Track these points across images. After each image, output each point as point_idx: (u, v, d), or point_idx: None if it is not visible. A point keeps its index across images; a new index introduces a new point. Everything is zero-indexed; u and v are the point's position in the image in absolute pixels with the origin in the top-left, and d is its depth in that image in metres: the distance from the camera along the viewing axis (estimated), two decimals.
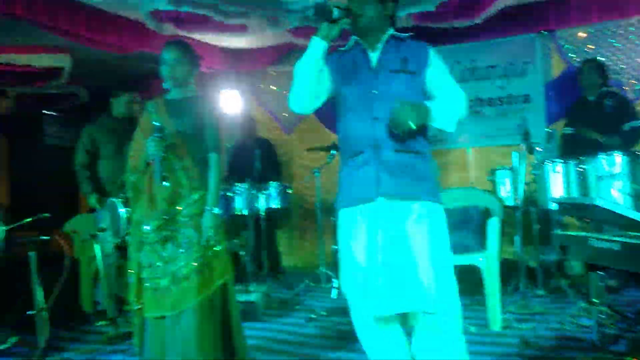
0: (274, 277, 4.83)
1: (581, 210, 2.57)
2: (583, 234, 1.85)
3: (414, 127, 1.77)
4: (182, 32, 4.35)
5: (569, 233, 1.93)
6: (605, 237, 1.71)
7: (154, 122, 2.25)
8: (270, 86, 6.01)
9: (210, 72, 5.52)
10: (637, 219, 2.23)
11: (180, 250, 2.16)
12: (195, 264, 2.14)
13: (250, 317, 3.35)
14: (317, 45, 1.84)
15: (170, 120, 2.26)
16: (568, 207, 2.68)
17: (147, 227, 2.19)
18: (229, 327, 2.23)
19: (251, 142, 5.06)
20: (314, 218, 4.65)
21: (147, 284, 2.17)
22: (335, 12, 1.81)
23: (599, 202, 2.32)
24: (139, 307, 2.21)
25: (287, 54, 5.49)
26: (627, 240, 1.61)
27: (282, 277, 4.64)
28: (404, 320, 2.00)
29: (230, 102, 5.69)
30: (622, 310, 2.77)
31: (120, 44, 4.44)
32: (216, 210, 2.23)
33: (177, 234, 2.18)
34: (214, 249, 2.21)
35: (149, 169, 2.23)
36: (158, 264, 2.16)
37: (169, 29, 4.21)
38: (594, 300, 2.52)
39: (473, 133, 5.00)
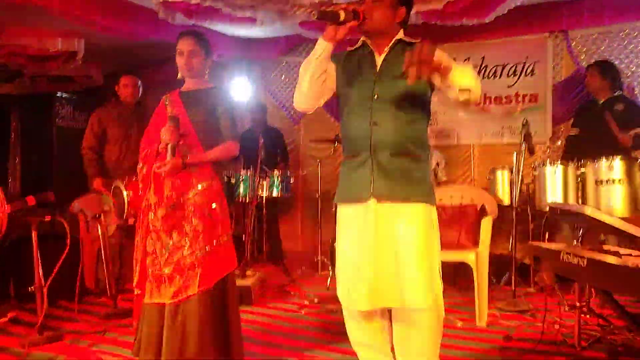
0: (275, 262, 4.93)
1: (572, 216, 2.60)
2: (556, 247, 1.89)
3: (430, 58, 1.65)
4: (192, 22, 4.41)
5: (542, 245, 1.96)
6: (575, 252, 1.74)
7: (168, 113, 2.29)
8: (281, 76, 6.06)
9: (221, 60, 5.58)
10: (623, 229, 2.28)
11: (186, 239, 2.17)
12: (200, 253, 2.15)
13: (245, 301, 3.45)
14: (322, 47, 1.88)
15: (185, 110, 2.29)
16: (559, 212, 2.71)
17: (153, 215, 2.22)
18: (227, 320, 2.24)
19: (260, 131, 5.12)
20: (317, 207, 4.72)
21: (150, 271, 2.20)
22: (342, 15, 1.80)
23: (588, 211, 2.35)
24: (139, 292, 2.25)
25: (298, 44, 5.55)
26: (593, 257, 1.64)
27: (283, 262, 4.73)
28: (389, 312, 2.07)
29: (240, 90, 5.76)
30: (603, 313, 2.81)
31: (133, 31, 4.52)
32: (187, 160, 2.20)
33: (184, 222, 2.19)
34: (220, 239, 2.22)
35: (159, 157, 2.25)
36: (163, 252, 2.18)
37: (180, 18, 4.27)
38: (577, 303, 2.55)
39: (479, 130, 5.01)
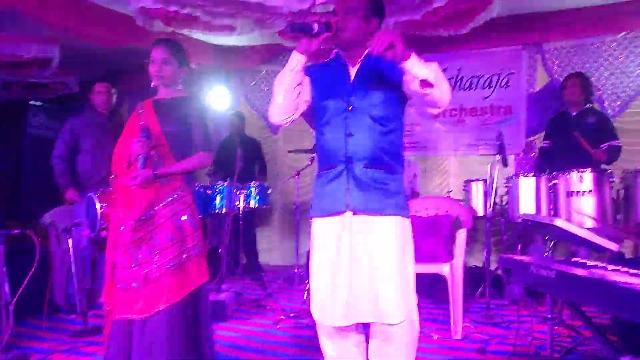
0: (251, 276, 4.88)
1: (543, 228, 2.63)
2: (527, 259, 1.90)
3: (392, 46, 1.68)
4: (171, 29, 4.38)
5: (513, 257, 1.98)
6: (544, 264, 1.75)
7: (140, 123, 2.25)
8: (260, 85, 6.05)
9: (199, 67, 5.55)
10: (591, 240, 2.32)
11: (155, 252, 2.12)
12: (169, 266, 2.11)
13: (219, 316, 3.39)
14: (296, 59, 1.87)
15: (157, 120, 2.25)
16: (530, 224, 2.74)
17: (123, 228, 2.17)
18: (199, 333, 2.19)
19: (237, 140, 5.09)
20: (295, 218, 4.70)
21: (118, 285, 2.14)
22: (315, 27, 1.80)
23: (558, 223, 2.39)
24: (110, 308, 2.19)
25: (277, 53, 5.54)
26: (562, 269, 1.66)
27: (260, 275, 4.68)
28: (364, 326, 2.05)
29: (218, 99, 5.73)
30: (575, 325, 2.85)
31: (110, 38, 4.48)
32: (158, 172, 2.16)
33: (153, 235, 2.14)
34: (190, 252, 2.18)
35: (130, 169, 2.21)
36: (132, 265, 2.12)
37: (158, 26, 4.24)
38: (549, 315, 2.58)
39: (455, 142, 5.07)
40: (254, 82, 6.09)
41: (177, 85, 2.34)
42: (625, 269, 1.62)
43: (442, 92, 1.82)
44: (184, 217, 2.20)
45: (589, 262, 1.90)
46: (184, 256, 2.16)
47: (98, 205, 2.88)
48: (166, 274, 2.11)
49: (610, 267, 1.71)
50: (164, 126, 2.24)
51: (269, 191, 4.72)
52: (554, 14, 4.54)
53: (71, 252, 3.28)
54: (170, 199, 2.19)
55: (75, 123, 3.72)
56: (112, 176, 2.28)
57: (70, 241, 3.21)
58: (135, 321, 2.09)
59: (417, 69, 1.75)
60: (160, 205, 2.18)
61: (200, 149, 2.29)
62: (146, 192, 2.17)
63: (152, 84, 2.32)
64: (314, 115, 2.07)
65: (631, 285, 1.39)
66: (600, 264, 1.82)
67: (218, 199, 4.37)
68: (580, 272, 1.61)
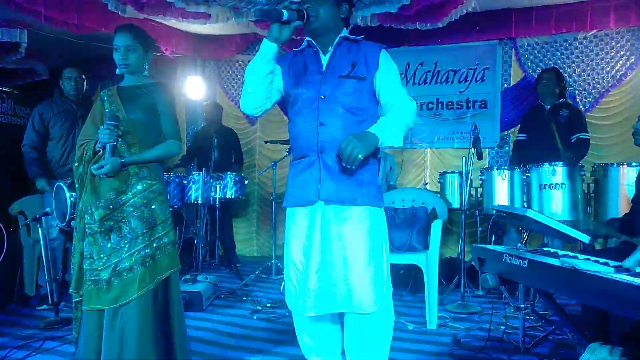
0: (228, 266, 4.85)
1: (515, 219, 2.69)
2: (499, 249, 1.93)
3: (361, 157, 1.75)
4: (144, 15, 4.28)
5: (486, 247, 2.01)
6: (516, 253, 1.79)
7: (106, 110, 2.20)
8: (237, 75, 5.98)
9: (175, 56, 5.45)
10: (562, 231, 2.37)
11: (124, 241, 2.09)
12: (139, 256, 2.08)
13: (195, 307, 3.36)
14: (267, 47, 1.84)
15: (123, 107, 2.20)
16: (504, 215, 2.79)
17: (90, 217, 2.11)
18: (170, 322, 2.17)
19: (213, 130, 5.03)
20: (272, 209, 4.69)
21: (87, 276, 2.09)
22: (285, 14, 1.77)
23: (529, 213, 2.44)
24: (79, 299, 2.15)
25: (253, 42, 5.49)
26: (534, 257, 1.69)
27: (237, 266, 4.65)
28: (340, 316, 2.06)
29: (194, 88, 5.65)
30: (547, 314, 2.92)
31: (79, 23, 4.34)
32: (126, 160, 2.12)
33: (122, 224, 2.10)
34: (160, 241, 2.14)
35: (97, 157, 2.16)
36: (100, 255, 2.08)
37: (130, 11, 4.13)
38: (521, 305, 2.64)
39: (431, 135, 5.13)
40: (230, 72, 6.02)
41: (143, 71, 2.29)
42: (595, 258, 1.66)
43: (412, 122, 1.92)
44: (154, 206, 2.16)
45: (560, 252, 1.94)
46: (155, 245, 2.13)
47: (68, 194, 2.81)
48: (137, 264, 2.08)
49: (581, 256, 1.75)
50: (130, 113, 2.19)
51: (246, 182, 4.69)
52: (528, 10, 4.62)
53: (41, 242, 3.19)
54: (139, 187, 2.15)
55: (45, 110, 3.60)
56: (76, 164, 2.21)
57: (40, 231, 3.12)
58: (106, 311, 2.06)
59: (390, 143, 1.85)
60: (129, 194, 2.13)
61: (169, 137, 2.26)
62: (114, 181, 2.13)
63: (117, 71, 2.26)
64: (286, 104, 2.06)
65: (600, 274, 1.43)
66: (571, 254, 1.86)
67: (193, 189, 4.31)
68: (551, 261, 1.65)
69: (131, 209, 2.12)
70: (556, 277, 1.59)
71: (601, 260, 1.62)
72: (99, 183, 2.14)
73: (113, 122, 2.12)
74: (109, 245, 2.09)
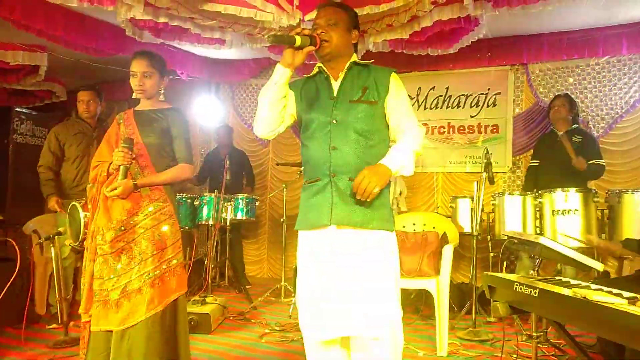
0: (237, 288, 4.84)
1: (527, 245, 2.66)
2: (510, 277, 1.91)
3: (377, 191, 1.79)
4: (160, 40, 4.39)
5: (497, 275, 1.98)
6: (527, 282, 1.76)
7: (121, 133, 2.26)
8: (250, 98, 6.07)
9: (190, 80, 5.56)
10: (576, 258, 2.34)
11: (134, 263, 2.10)
12: (148, 277, 2.09)
13: (203, 329, 3.35)
14: (280, 73, 1.87)
15: (138, 131, 2.25)
16: (516, 241, 2.76)
17: (101, 238, 2.14)
18: (177, 345, 2.17)
19: (226, 152, 5.08)
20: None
21: (97, 296, 2.11)
22: (298, 40, 1.79)
23: (543, 240, 2.41)
24: (88, 319, 2.16)
25: (267, 67, 5.58)
26: (545, 287, 1.66)
27: (247, 288, 4.64)
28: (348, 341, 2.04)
29: (208, 111, 5.74)
30: (560, 343, 2.85)
31: (98, 48, 4.47)
32: (138, 183, 2.18)
33: (133, 245, 2.12)
34: (170, 263, 2.16)
35: (110, 179, 2.19)
36: (111, 276, 2.10)
37: (148, 37, 4.24)
38: (534, 333, 2.58)
39: (442, 159, 5.12)
40: (244, 95, 6.12)
41: (159, 96, 2.34)
42: (608, 289, 1.63)
43: (421, 148, 1.93)
44: (164, 228, 2.18)
45: (572, 281, 1.91)
46: (164, 267, 2.14)
47: (82, 214, 2.85)
48: (146, 285, 2.09)
49: (593, 286, 1.72)
50: (145, 137, 2.24)
51: (257, 203, 4.71)
52: (539, 36, 4.65)
53: (53, 261, 3.22)
54: (150, 209, 2.18)
55: (61, 131, 3.69)
56: (89, 185, 2.25)
57: (52, 250, 3.15)
58: (114, 332, 2.06)
59: (401, 173, 1.88)
60: (141, 215, 2.16)
61: (181, 160, 2.29)
62: (126, 202, 2.15)
63: (134, 95, 2.31)
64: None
65: (612, 305, 1.40)
66: (584, 283, 1.83)
67: (205, 210, 4.34)
68: (562, 291, 1.63)
69: (142, 230, 2.15)
70: (567, 307, 1.56)
71: (614, 290, 1.59)
72: (111, 204, 2.17)
73: (127, 145, 2.16)
74: (119, 266, 2.11)
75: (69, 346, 3.04)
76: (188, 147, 2.32)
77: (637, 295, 1.54)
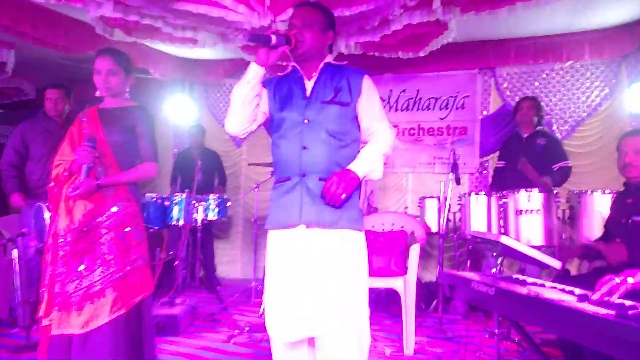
0: (208, 289, 4.81)
1: (490, 244, 2.73)
2: (468, 275, 1.95)
3: (344, 197, 1.83)
4: (132, 39, 4.34)
5: (455, 273, 2.03)
6: (485, 280, 1.80)
7: (84, 131, 2.22)
8: (224, 98, 6.04)
9: (163, 79, 5.50)
10: (535, 257, 2.41)
11: (97, 264, 2.06)
12: (112, 279, 2.05)
13: (171, 331, 3.32)
14: (254, 71, 1.87)
15: (101, 129, 2.21)
16: (479, 240, 2.84)
17: (63, 239, 2.09)
18: (142, 346, 2.14)
19: (197, 152, 5.05)
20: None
21: (58, 299, 2.06)
22: (273, 39, 1.81)
23: (503, 239, 2.48)
24: (48, 323, 2.09)
25: (241, 67, 5.56)
26: (501, 285, 1.71)
27: (218, 289, 4.62)
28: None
29: (181, 110, 5.69)
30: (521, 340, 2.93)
31: (67, 45, 4.39)
32: (101, 182, 2.13)
33: (96, 246, 2.08)
34: (134, 264, 2.13)
35: (72, 178, 2.16)
36: (72, 278, 2.05)
37: (119, 35, 4.18)
38: (496, 330, 2.66)
39: (412, 160, 5.20)
40: (218, 95, 6.09)
41: (124, 94, 2.31)
42: (562, 286, 1.69)
43: (390, 150, 1.98)
44: (128, 229, 2.15)
45: (529, 280, 1.97)
46: (128, 268, 2.11)
47: (47, 215, 2.80)
48: (108, 287, 2.05)
49: (548, 284, 1.78)
50: (108, 135, 2.21)
51: (228, 204, 4.69)
52: (506, 41, 4.77)
53: (16, 263, 3.15)
54: (113, 209, 2.14)
55: (26, 129, 3.61)
56: (51, 184, 2.20)
57: (15, 251, 3.08)
58: (75, 337, 2.02)
59: (370, 177, 1.93)
60: (104, 216, 2.12)
61: (145, 159, 2.27)
62: (88, 202, 2.12)
63: (98, 93, 2.28)
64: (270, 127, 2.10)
65: (562, 302, 1.46)
66: (539, 281, 1.89)
67: (176, 210, 4.30)
68: (517, 289, 1.68)
69: (105, 232, 2.11)
70: (522, 305, 1.60)
71: (567, 288, 1.65)
72: (74, 205, 2.12)
73: (90, 144, 2.13)
74: (82, 267, 2.07)
75: (31, 351, 2.94)
76: (153, 145, 2.29)
77: (588, 293, 1.61)
